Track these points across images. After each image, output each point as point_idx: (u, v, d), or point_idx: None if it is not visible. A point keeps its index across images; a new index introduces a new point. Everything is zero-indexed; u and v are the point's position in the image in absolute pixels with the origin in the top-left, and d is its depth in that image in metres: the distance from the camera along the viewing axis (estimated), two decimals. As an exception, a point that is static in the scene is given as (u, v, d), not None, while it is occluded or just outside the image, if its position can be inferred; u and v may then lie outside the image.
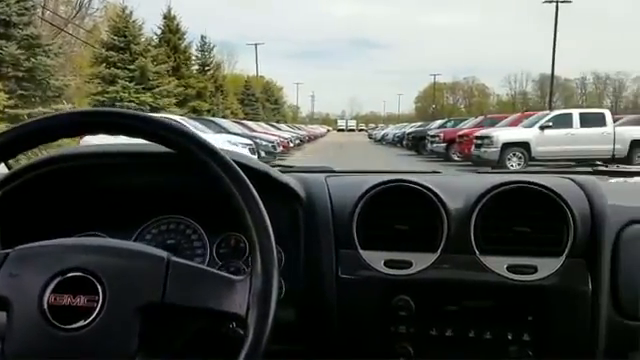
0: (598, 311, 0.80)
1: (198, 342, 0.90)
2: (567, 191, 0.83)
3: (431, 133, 14.84)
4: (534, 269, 0.81)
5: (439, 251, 0.83)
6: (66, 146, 1.01)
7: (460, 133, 12.47)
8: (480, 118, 15.34)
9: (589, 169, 1.23)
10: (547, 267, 0.80)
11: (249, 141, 10.25)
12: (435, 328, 0.83)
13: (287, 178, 0.92)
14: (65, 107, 11.60)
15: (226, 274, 0.72)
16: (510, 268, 0.81)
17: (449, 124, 16.61)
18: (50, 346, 0.67)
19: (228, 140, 9.29)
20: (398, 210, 0.84)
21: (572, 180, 0.89)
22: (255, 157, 0.85)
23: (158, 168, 0.92)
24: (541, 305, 0.80)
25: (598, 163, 1.27)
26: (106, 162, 0.91)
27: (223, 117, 18.71)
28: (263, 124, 20.46)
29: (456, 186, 0.87)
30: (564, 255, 0.81)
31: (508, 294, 0.82)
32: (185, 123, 7.82)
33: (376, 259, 0.84)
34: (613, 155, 9.96)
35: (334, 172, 1.08)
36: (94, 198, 0.94)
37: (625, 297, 0.84)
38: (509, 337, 0.82)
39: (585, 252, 0.81)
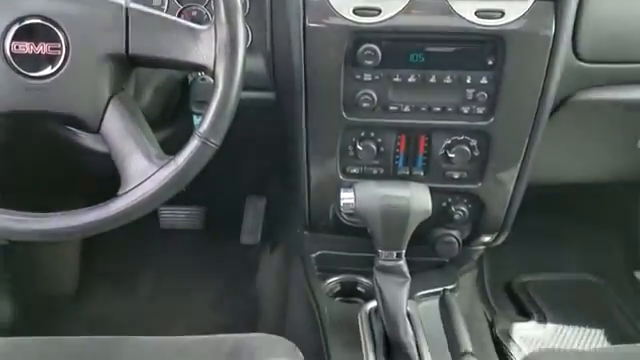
0: (557, 54, 0.83)
1: (164, 89, 0.92)
2: None
3: None
4: (501, 13, 0.80)
5: None
6: None
7: None
8: None
9: None
10: (515, 10, 0.80)
11: None
12: (398, 75, 0.86)
13: None
14: None
15: (189, 23, 0.70)
16: (478, 12, 0.81)
17: None
18: (20, 97, 0.68)
19: None
20: None
21: None
22: None
23: None
24: (503, 49, 0.82)
25: None
26: None
27: None
28: None
29: None
30: None
31: (472, 40, 0.83)
32: None
33: (344, 6, 0.81)
34: None
35: None
36: None
37: (584, 41, 0.86)
38: (468, 81, 0.85)
39: None
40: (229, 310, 1.45)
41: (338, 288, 1.07)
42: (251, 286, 1.49)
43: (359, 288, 1.07)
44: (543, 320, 1.36)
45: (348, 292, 1.07)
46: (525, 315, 1.38)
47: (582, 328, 1.36)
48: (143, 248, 1.56)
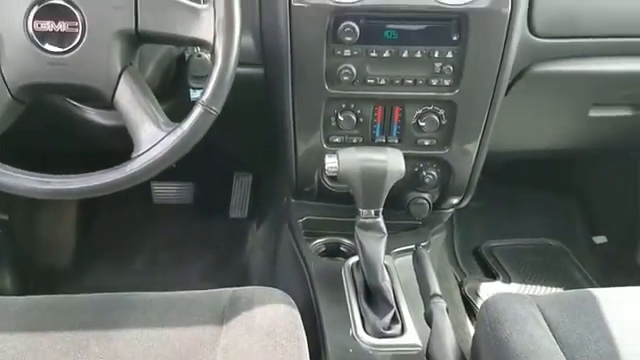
0: (513, 30, 0.94)
1: (163, 65, 1.00)
2: None
3: None
4: None
5: None
6: None
7: None
8: None
9: None
10: None
11: None
12: (375, 51, 0.96)
13: None
14: None
15: (191, 3, 0.79)
16: None
17: None
18: (43, 70, 0.76)
19: None
20: None
21: None
22: None
23: None
24: (467, 26, 0.93)
25: None
26: None
27: None
28: None
29: None
30: None
31: (440, 18, 0.93)
32: None
33: None
34: None
35: None
36: None
37: (538, 18, 0.98)
38: (436, 55, 0.96)
39: None
40: (220, 280, 1.54)
41: (323, 249, 1.18)
42: (240, 257, 1.58)
43: (342, 248, 1.17)
44: (508, 280, 1.49)
45: (332, 252, 1.17)
46: (492, 277, 1.51)
47: (544, 287, 1.49)
48: (138, 223, 1.64)
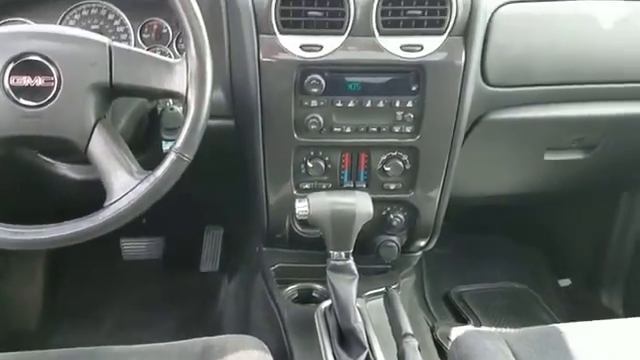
0: (467, 80, 1.00)
1: (136, 118, 1.03)
2: None
3: None
4: (421, 47, 0.98)
5: (346, 34, 0.97)
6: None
7: None
8: None
9: None
10: (432, 44, 0.98)
11: None
12: (340, 101, 1.01)
13: None
14: None
15: (164, 57, 0.83)
16: (402, 47, 0.98)
17: None
18: (18, 123, 0.78)
19: None
20: None
21: None
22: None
23: None
24: (424, 77, 0.99)
25: None
26: None
27: None
28: None
29: None
30: (446, 34, 0.98)
31: (399, 70, 1.00)
32: None
33: (292, 43, 0.97)
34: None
35: None
36: None
37: (491, 69, 1.05)
38: (397, 104, 1.01)
39: (463, 31, 0.98)
40: (192, 335, 1.52)
41: (296, 295, 1.19)
42: (212, 311, 1.57)
43: (314, 294, 1.19)
44: (478, 324, 1.51)
45: (305, 298, 1.18)
46: (462, 321, 1.53)
47: (513, 330, 1.51)
48: (106, 281, 1.62)
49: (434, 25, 0.98)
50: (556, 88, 1.11)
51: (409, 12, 0.96)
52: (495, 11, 1.03)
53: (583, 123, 1.19)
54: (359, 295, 1.03)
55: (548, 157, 1.25)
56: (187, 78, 0.79)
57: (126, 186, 0.79)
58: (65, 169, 1.09)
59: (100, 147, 0.80)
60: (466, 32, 0.99)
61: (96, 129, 0.80)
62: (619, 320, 1.09)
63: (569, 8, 1.09)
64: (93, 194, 0.81)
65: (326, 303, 1.07)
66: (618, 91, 1.13)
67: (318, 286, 1.18)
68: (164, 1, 0.79)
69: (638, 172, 1.40)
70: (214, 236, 1.67)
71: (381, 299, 1.14)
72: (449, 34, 0.98)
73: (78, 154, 0.81)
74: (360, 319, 0.99)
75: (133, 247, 1.67)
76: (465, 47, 0.99)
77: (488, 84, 1.06)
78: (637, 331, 0.97)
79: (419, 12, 0.96)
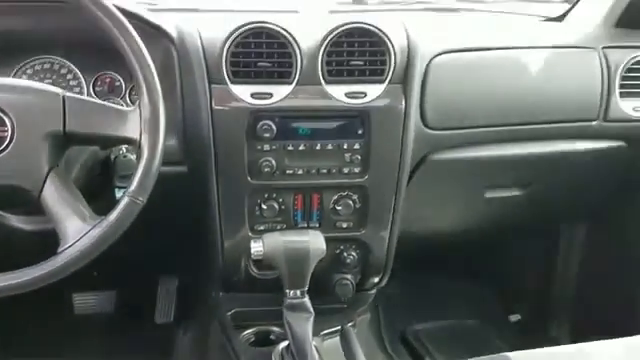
0: (408, 124, 1.07)
1: (88, 166, 1.05)
2: (392, 29, 1.05)
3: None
4: (364, 94, 1.04)
5: (294, 83, 1.03)
6: None
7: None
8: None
9: (421, 7, 1.47)
10: (374, 92, 1.05)
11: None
12: (291, 145, 1.06)
13: (159, 19, 1.03)
14: None
15: (117, 106, 0.86)
16: (347, 94, 1.04)
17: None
18: None
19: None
20: (260, 48, 1.01)
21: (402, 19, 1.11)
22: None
23: (27, 10, 0.99)
24: (369, 121, 1.06)
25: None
26: None
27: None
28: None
29: (309, 26, 1.05)
30: (386, 82, 1.05)
31: (345, 115, 1.06)
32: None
33: (243, 92, 1.02)
34: None
35: (198, 10, 1.20)
36: None
37: (429, 113, 1.13)
38: (345, 147, 1.07)
39: (402, 79, 1.06)
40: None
41: (253, 339, 1.19)
42: None
43: (272, 337, 1.19)
44: (435, 362, 1.54)
45: (262, 342, 1.19)
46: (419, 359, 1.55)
47: (469, 366, 1.54)
48: (58, 336, 1.57)
49: (375, 74, 1.05)
50: (490, 130, 1.20)
51: (352, 62, 1.04)
52: (431, 61, 1.12)
53: (517, 162, 1.27)
54: (315, 334, 1.05)
55: (489, 194, 1.32)
56: (140, 125, 0.81)
57: (80, 231, 0.79)
58: (15, 221, 1.08)
59: (53, 195, 0.81)
60: (405, 80, 1.07)
61: (49, 177, 0.81)
62: (564, 346, 1.14)
63: (499, 56, 1.20)
64: (45, 244, 0.81)
65: (283, 344, 1.08)
66: (546, 131, 1.23)
67: (275, 328, 1.19)
68: (116, 52, 0.81)
69: (571, 206, 1.49)
70: (168, 286, 1.66)
71: (337, 338, 1.15)
72: (389, 82, 1.06)
73: (30, 204, 0.81)
74: (317, 357, 1.00)
75: (85, 301, 1.63)
76: (404, 94, 1.07)
77: (428, 127, 1.14)
78: (580, 357, 1.01)
79: (361, 62, 1.04)
